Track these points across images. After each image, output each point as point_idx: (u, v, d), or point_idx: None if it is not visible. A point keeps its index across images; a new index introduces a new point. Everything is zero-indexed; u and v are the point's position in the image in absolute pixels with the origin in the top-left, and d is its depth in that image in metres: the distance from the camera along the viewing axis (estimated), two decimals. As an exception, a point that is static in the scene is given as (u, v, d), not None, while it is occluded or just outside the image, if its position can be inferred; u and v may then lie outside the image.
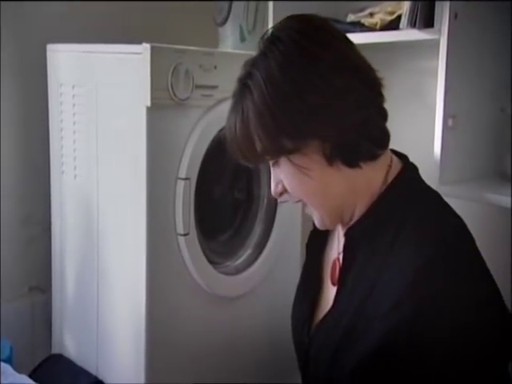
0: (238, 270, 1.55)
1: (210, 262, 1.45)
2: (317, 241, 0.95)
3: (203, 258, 1.42)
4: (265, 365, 1.61)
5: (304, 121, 0.75)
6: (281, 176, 0.81)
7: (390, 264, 0.75)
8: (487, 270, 0.76)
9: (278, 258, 1.61)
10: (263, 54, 0.78)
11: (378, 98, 0.80)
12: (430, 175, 1.23)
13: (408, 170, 0.84)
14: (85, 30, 1.62)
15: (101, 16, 1.69)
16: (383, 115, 0.81)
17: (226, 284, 1.51)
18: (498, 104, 1.39)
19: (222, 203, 1.61)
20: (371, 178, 0.81)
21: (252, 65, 0.78)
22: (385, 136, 0.81)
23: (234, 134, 0.78)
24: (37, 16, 1.60)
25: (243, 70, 0.79)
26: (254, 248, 1.59)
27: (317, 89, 0.74)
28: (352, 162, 0.78)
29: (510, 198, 1.14)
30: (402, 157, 0.86)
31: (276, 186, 0.83)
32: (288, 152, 0.77)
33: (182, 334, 1.41)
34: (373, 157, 0.79)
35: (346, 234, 0.84)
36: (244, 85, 0.78)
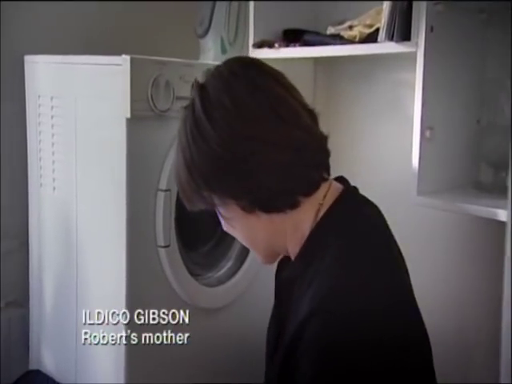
0: (220, 282, 1.54)
1: (191, 273, 1.44)
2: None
3: (184, 269, 1.41)
4: (245, 376, 1.59)
5: (217, 181, 0.79)
6: None
7: (305, 295, 0.75)
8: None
9: (260, 270, 1.60)
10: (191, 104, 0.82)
11: (308, 145, 0.78)
12: (408, 186, 1.25)
13: (341, 201, 0.81)
14: (64, 42, 1.61)
15: (80, 27, 1.68)
16: (312, 162, 0.78)
17: (207, 296, 1.49)
18: (474, 115, 1.41)
19: (202, 214, 1.60)
20: (298, 220, 0.80)
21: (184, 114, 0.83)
22: (310, 184, 0.79)
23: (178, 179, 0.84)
24: (14, 27, 1.58)
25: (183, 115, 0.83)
26: (235, 259, 1.58)
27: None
28: (270, 211, 0.79)
29: (485, 208, 1.16)
30: (344, 182, 0.84)
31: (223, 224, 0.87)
32: (210, 203, 0.82)
33: (163, 347, 1.40)
34: (293, 205, 0.79)
35: (276, 278, 0.90)
36: (179, 131, 0.84)
